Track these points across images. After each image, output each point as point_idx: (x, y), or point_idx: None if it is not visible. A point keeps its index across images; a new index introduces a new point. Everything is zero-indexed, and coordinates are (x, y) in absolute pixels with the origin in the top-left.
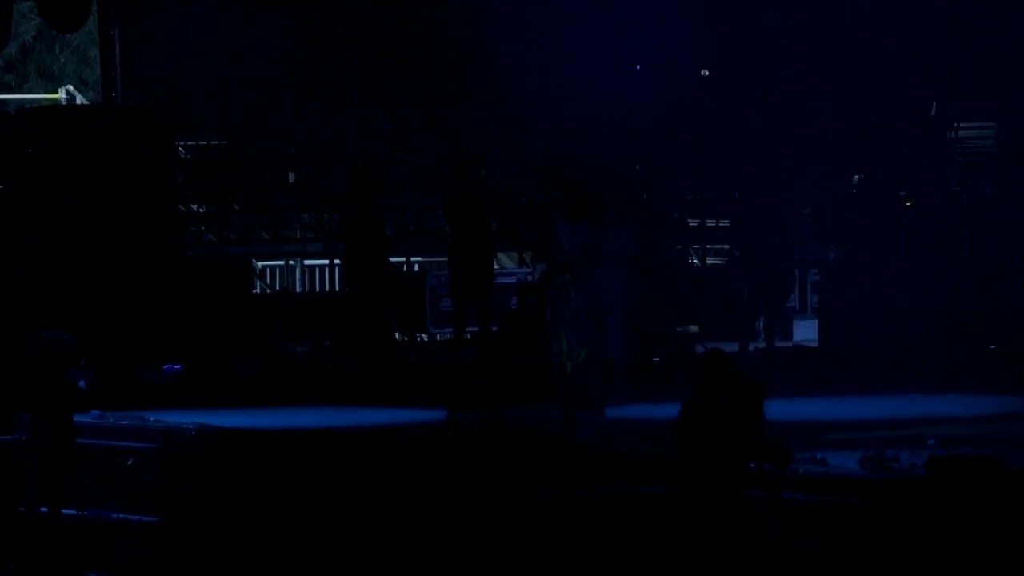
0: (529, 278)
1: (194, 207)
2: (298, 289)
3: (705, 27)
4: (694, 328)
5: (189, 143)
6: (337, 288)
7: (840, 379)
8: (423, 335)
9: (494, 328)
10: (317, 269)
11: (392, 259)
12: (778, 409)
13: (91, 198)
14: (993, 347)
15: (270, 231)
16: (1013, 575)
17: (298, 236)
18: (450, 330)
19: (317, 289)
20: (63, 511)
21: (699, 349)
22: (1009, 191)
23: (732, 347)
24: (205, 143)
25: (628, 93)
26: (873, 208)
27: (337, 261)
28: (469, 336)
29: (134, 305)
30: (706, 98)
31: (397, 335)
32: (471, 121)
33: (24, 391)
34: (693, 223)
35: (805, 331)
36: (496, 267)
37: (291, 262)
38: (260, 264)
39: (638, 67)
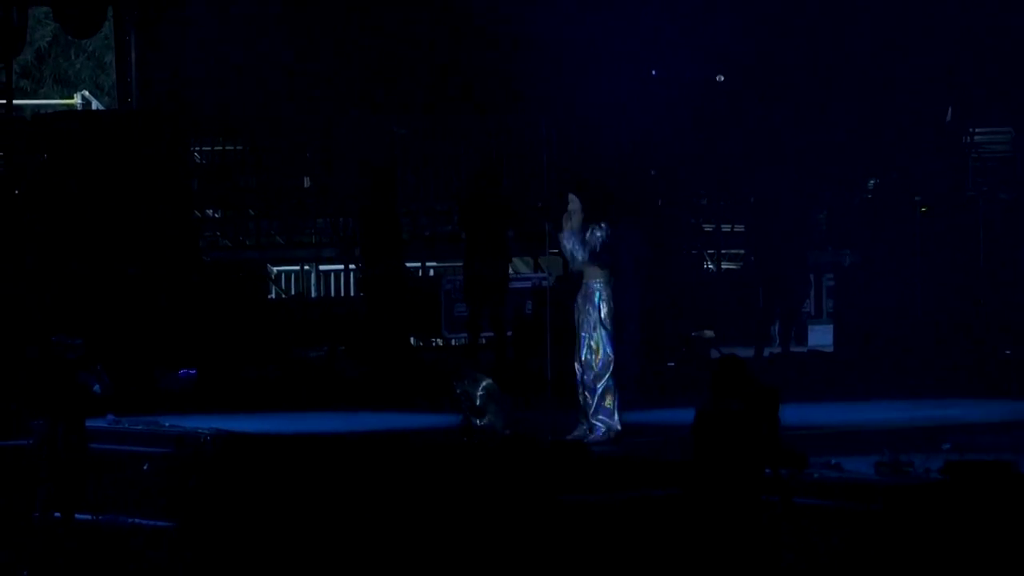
0: (544, 283)
1: (209, 212)
2: (313, 294)
3: (720, 32)
4: (709, 333)
5: (204, 148)
6: (352, 293)
7: (855, 384)
8: (438, 340)
9: (509, 333)
10: (332, 274)
11: (407, 264)
12: (793, 414)
13: (106, 203)
14: (1008, 352)
15: (285, 236)
16: None
17: (313, 241)
18: (465, 335)
19: (332, 294)
20: (77, 516)
21: (714, 354)
22: None
23: (747, 352)
24: (220, 148)
25: (643, 98)
26: (888, 213)
27: (352, 266)
28: (484, 341)
29: (149, 310)
30: (721, 103)
31: (412, 340)
32: (486, 126)
33: (36, 396)
34: (708, 228)
35: (820, 336)
36: (511, 272)
37: (306, 267)
38: (275, 269)
39: (653, 72)
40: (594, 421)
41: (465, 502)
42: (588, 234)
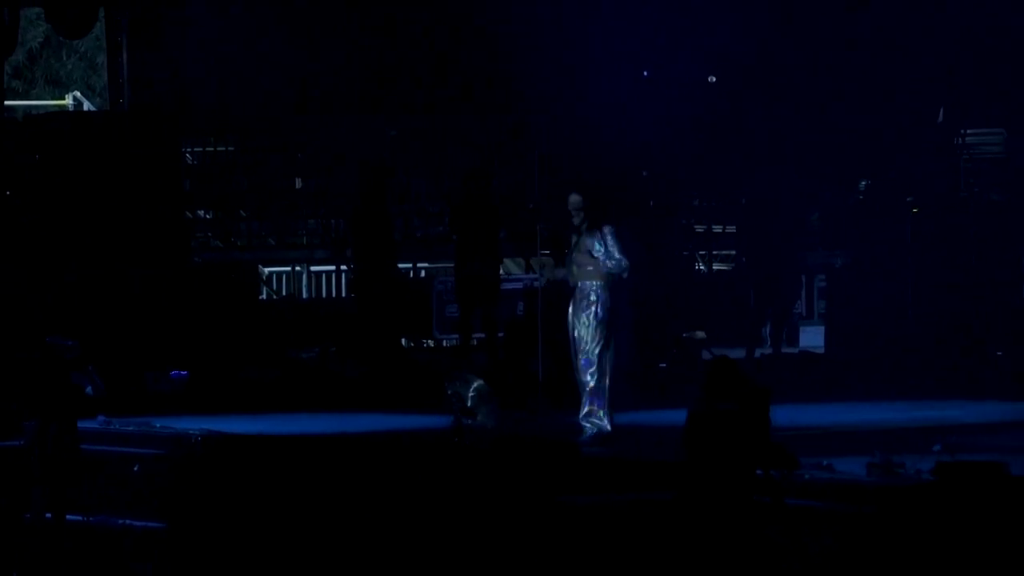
0: (536, 284)
1: (200, 213)
2: (304, 295)
3: (712, 33)
4: (700, 334)
5: (196, 149)
6: (343, 294)
7: (846, 385)
8: (429, 341)
9: (500, 334)
10: (323, 275)
11: (399, 265)
12: (784, 415)
13: (98, 204)
14: (1000, 353)
15: (276, 237)
16: None
17: (304, 242)
18: (456, 336)
19: (323, 295)
20: (68, 517)
21: (706, 355)
22: (1016, 197)
23: (738, 353)
24: (212, 149)
25: (635, 99)
26: (880, 214)
27: (343, 267)
28: (475, 342)
29: (140, 311)
30: (713, 104)
31: (403, 341)
32: (478, 127)
33: (29, 397)
34: (699, 229)
35: (811, 337)
36: (502, 273)
37: (297, 268)
38: (267, 270)
39: (645, 73)
40: (583, 423)
41: (456, 503)
42: (609, 243)
